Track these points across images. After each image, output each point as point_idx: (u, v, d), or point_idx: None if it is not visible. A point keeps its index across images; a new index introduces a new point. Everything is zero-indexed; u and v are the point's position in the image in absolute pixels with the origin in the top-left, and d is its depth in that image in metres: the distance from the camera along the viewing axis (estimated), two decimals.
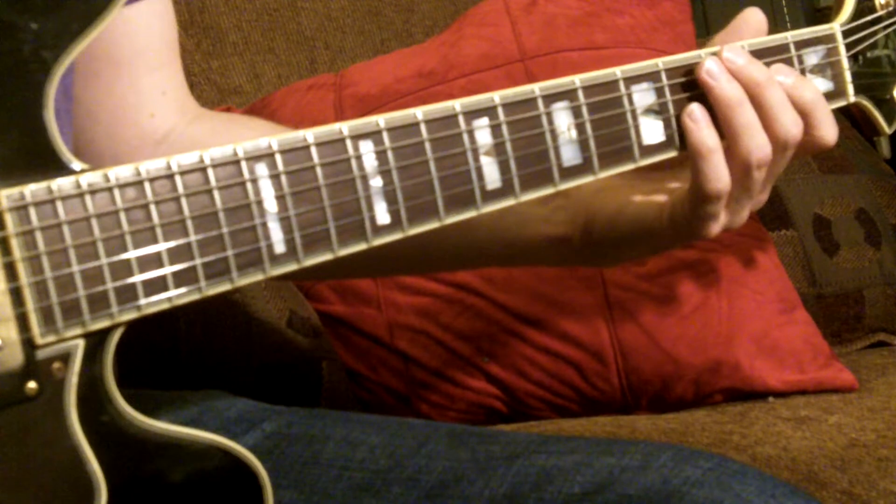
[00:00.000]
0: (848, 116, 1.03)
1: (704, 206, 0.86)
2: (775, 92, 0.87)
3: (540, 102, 0.80)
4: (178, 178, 0.69)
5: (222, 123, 0.96)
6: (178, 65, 0.94)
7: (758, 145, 0.86)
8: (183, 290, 0.69)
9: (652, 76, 0.85)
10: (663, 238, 0.89)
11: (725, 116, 0.86)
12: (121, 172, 0.68)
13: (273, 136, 0.72)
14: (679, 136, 0.86)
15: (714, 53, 0.87)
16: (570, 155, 0.82)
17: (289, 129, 0.97)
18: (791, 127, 0.87)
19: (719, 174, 0.85)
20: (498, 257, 0.98)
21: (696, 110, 0.86)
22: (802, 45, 0.93)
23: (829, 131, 0.90)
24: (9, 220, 0.65)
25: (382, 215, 0.75)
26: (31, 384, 0.66)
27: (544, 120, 0.80)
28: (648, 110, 0.85)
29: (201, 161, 0.69)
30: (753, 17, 0.92)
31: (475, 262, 1.04)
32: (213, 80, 1.51)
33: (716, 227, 0.87)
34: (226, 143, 0.88)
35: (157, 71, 0.92)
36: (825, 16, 0.97)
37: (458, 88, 1.41)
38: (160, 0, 0.92)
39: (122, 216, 0.67)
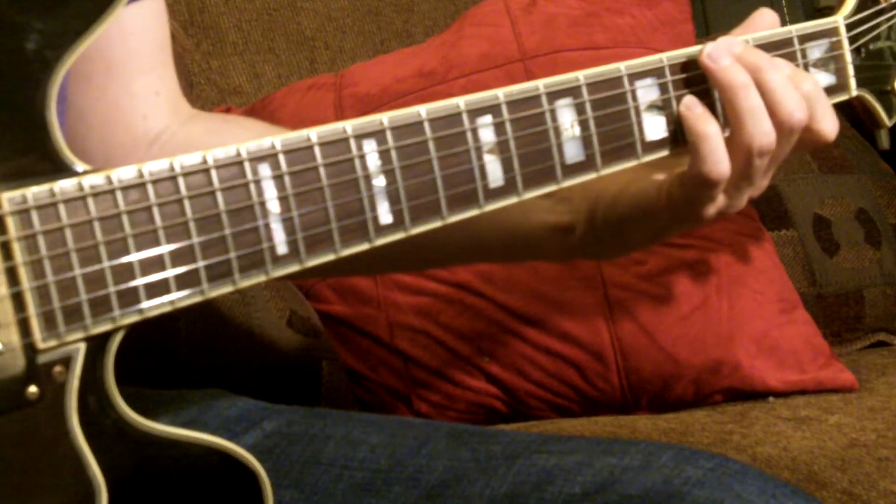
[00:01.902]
0: (848, 112, 1.03)
1: (702, 189, 0.85)
2: (777, 74, 0.86)
3: (544, 99, 0.80)
4: (180, 180, 0.68)
5: (217, 124, 0.96)
6: (171, 66, 0.94)
7: (762, 132, 0.85)
8: (185, 292, 0.69)
9: (656, 72, 0.85)
10: (662, 219, 0.89)
11: (729, 100, 0.85)
12: (123, 174, 0.67)
13: (276, 136, 0.71)
14: (682, 132, 0.86)
15: None
16: (572, 152, 0.82)
17: (285, 129, 0.97)
18: (795, 110, 0.86)
19: (718, 157, 0.84)
20: (499, 250, 0.97)
21: (690, 98, 0.85)
22: (806, 38, 0.93)
23: (828, 125, 0.88)
24: (10, 223, 0.64)
25: (385, 215, 0.74)
26: (32, 388, 0.66)
27: (548, 117, 0.80)
28: (652, 106, 0.85)
29: (204, 162, 0.69)
30: (767, 17, 0.91)
31: (476, 256, 1.03)
32: (213, 80, 1.50)
33: (712, 210, 0.87)
34: (220, 144, 0.88)
35: (150, 72, 0.91)
36: (825, 15, 0.97)
37: (458, 88, 1.41)
38: (153, 1, 0.91)
39: (125, 219, 0.67)
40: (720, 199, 0.87)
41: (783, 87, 0.86)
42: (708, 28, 2.22)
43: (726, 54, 0.85)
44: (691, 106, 0.85)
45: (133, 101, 0.91)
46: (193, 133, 0.92)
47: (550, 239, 0.93)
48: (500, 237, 0.93)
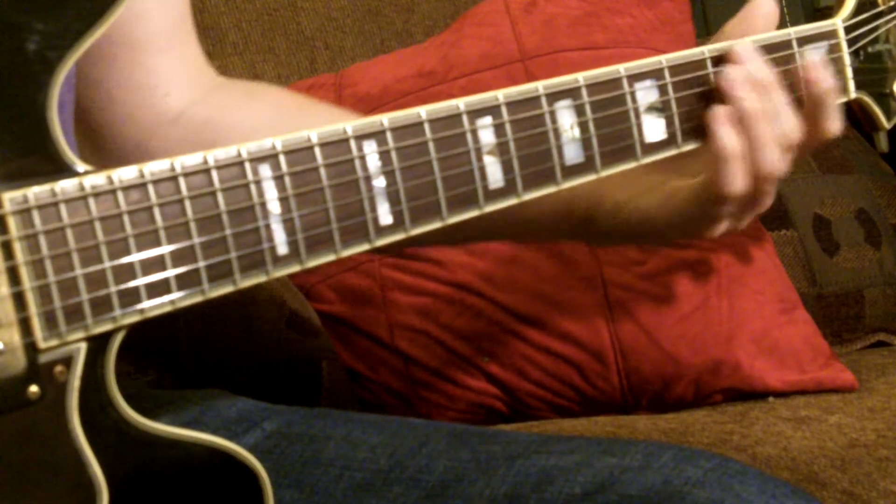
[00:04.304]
0: (847, 114, 1.03)
1: (716, 207, 0.86)
2: (778, 97, 0.87)
3: (543, 101, 0.80)
4: (181, 180, 0.68)
5: (238, 98, 0.96)
6: (192, 41, 0.94)
7: (773, 159, 0.86)
8: (185, 292, 0.69)
9: (655, 73, 0.85)
10: (665, 233, 0.90)
11: (749, 126, 0.86)
12: (124, 174, 0.67)
13: (277, 137, 0.71)
14: (681, 134, 0.86)
15: (720, 58, 0.87)
16: (572, 154, 0.82)
17: (308, 99, 0.98)
18: (794, 131, 0.87)
19: (737, 178, 0.85)
20: (506, 230, 0.99)
21: (722, 114, 0.86)
22: (804, 41, 0.93)
23: (833, 126, 0.90)
24: (12, 223, 0.64)
25: (385, 216, 0.74)
26: (34, 388, 0.66)
27: (548, 119, 0.80)
28: (651, 108, 0.85)
29: (205, 162, 0.69)
30: (765, 6, 0.92)
31: (485, 236, 1.04)
32: None
33: (721, 228, 0.88)
34: (239, 121, 0.88)
35: (172, 50, 0.92)
36: (825, 15, 0.97)
37: (459, 88, 1.41)
38: None
39: (126, 219, 0.67)
40: (727, 220, 0.88)
41: (783, 110, 0.87)
42: (708, 28, 2.22)
43: (746, 84, 0.86)
44: (720, 120, 0.86)
45: (155, 80, 0.91)
46: (213, 110, 0.93)
47: (550, 222, 0.94)
48: (506, 219, 0.94)
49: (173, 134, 0.91)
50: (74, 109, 0.88)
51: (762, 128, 0.86)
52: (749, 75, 0.86)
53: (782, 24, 0.95)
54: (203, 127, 0.92)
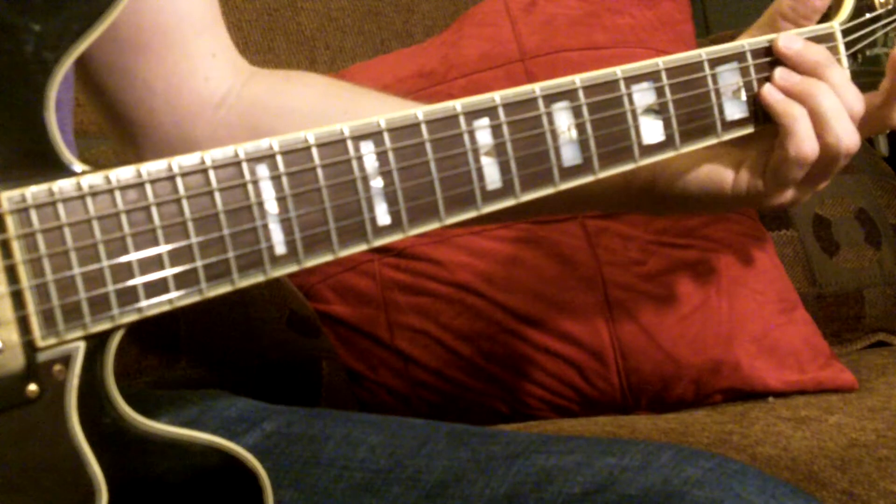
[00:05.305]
0: None
1: (788, 170, 0.88)
2: (835, 72, 0.90)
3: (540, 102, 0.80)
4: (178, 180, 0.68)
5: (279, 83, 0.96)
6: (222, 26, 0.94)
7: (846, 131, 0.89)
8: (183, 291, 0.69)
9: (652, 76, 0.85)
10: (724, 204, 0.93)
11: (808, 99, 0.89)
12: (122, 174, 0.67)
13: (274, 137, 0.71)
14: (678, 135, 0.86)
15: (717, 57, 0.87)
16: (570, 155, 0.82)
17: (348, 83, 0.98)
18: (856, 103, 0.90)
19: (811, 135, 0.88)
20: (571, 206, 1.00)
21: (771, 85, 0.89)
22: None
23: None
24: (10, 222, 0.65)
25: (383, 216, 0.74)
26: (32, 387, 0.66)
27: (545, 120, 0.80)
28: (648, 110, 0.85)
29: (202, 162, 0.69)
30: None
31: (553, 210, 1.05)
32: None
33: (788, 195, 0.91)
34: (284, 104, 0.89)
35: (204, 33, 0.92)
36: (823, 18, 0.97)
37: (459, 88, 1.41)
38: None
39: (123, 218, 0.67)
40: (791, 191, 0.91)
41: (840, 83, 0.91)
42: (708, 28, 2.22)
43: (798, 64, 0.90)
44: (773, 91, 0.89)
45: (192, 64, 0.91)
46: (257, 93, 0.93)
47: (606, 193, 0.95)
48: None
49: (218, 119, 0.91)
50: (108, 105, 0.88)
51: (823, 99, 0.88)
52: (799, 55, 0.90)
53: None
54: (250, 110, 0.92)
